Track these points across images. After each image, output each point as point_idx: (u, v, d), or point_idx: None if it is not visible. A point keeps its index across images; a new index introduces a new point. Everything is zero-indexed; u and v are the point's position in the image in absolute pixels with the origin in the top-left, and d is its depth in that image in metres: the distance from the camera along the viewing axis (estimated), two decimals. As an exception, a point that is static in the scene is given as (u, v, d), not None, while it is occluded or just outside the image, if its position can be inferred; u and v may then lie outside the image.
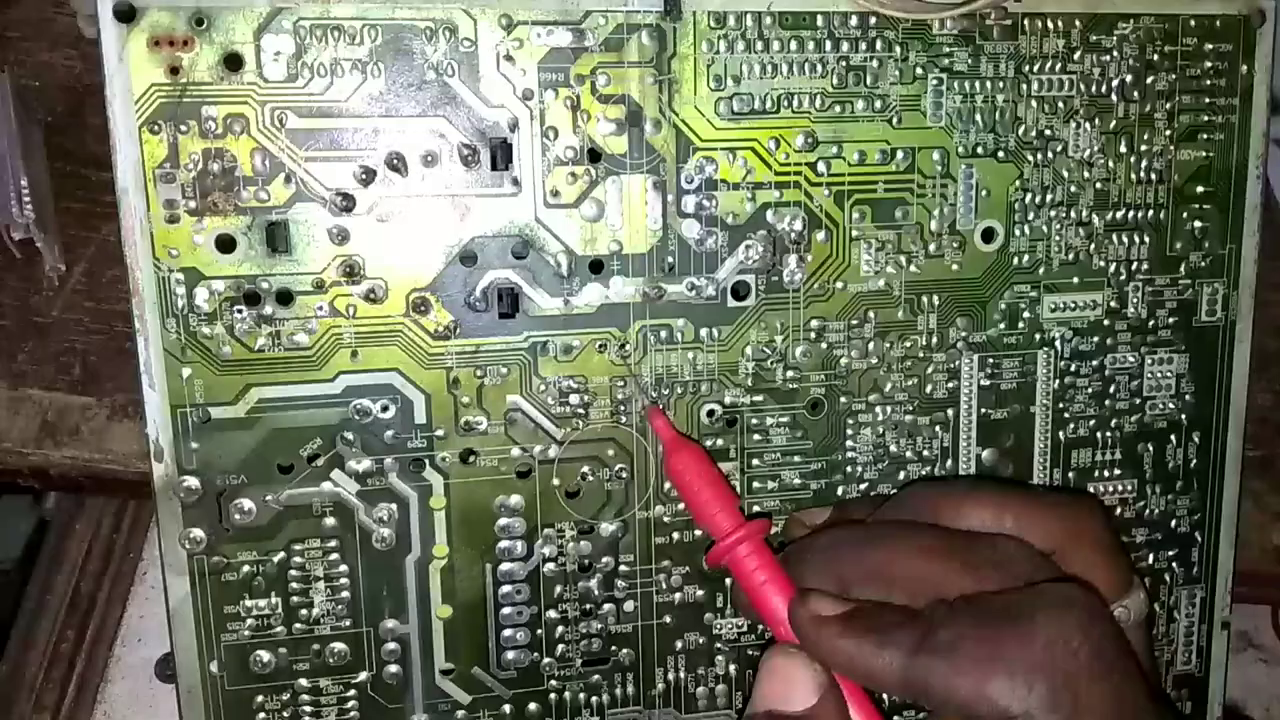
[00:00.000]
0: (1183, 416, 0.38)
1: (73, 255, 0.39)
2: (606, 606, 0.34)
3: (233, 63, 0.29)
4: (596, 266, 0.32)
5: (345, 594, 0.32)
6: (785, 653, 0.27)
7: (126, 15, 0.28)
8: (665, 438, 0.32)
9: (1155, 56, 0.35)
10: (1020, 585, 0.25)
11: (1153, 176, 0.36)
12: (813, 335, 0.34)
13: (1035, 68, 0.34)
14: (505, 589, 0.33)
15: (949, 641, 0.24)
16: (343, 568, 0.32)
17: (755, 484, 0.35)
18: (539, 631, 0.34)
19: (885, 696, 0.35)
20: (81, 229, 0.39)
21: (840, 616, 0.26)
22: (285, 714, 0.33)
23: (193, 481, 0.31)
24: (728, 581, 0.35)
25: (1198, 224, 0.36)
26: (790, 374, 0.34)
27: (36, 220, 0.37)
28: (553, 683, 0.34)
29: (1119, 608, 0.28)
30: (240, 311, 0.30)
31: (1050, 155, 0.35)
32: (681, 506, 0.34)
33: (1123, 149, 0.35)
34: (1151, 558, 0.38)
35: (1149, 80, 0.35)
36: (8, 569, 0.51)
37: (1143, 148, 0.36)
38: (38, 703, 0.41)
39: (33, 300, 0.39)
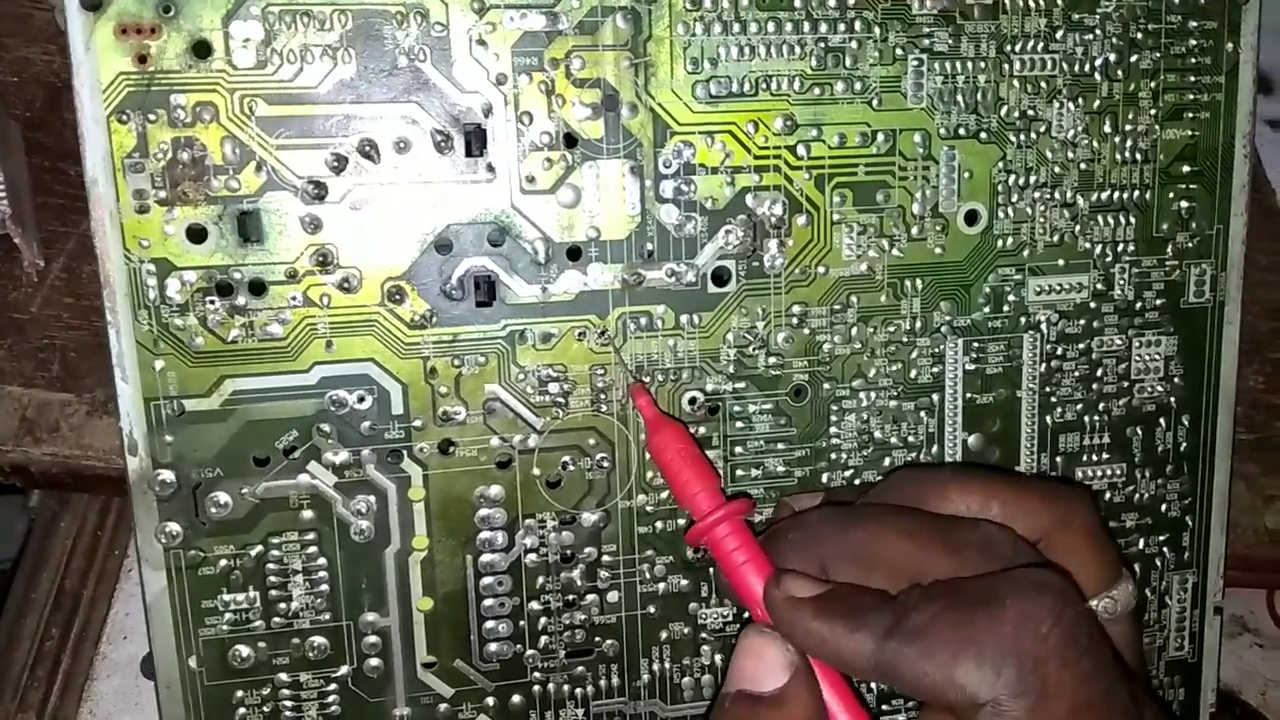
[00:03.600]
0: (1172, 399, 0.37)
1: (51, 251, 0.39)
2: (590, 597, 0.34)
3: (201, 50, 0.29)
4: (574, 253, 0.32)
5: (324, 587, 0.32)
6: (759, 632, 0.27)
7: (93, 3, 0.28)
8: (647, 416, 0.31)
9: (1139, 34, 0.35)
10: (998, 570, 0.25)
11: (1138, 156, 0.35)
12: (795, 321, 0.34)
13: (1017, 47, 0.34)
14: (486, 580, 0.33)
15: (920, 626, 0.24)
16: (321, 561, 0.32)
17: (739, 472, 0.34)
18: (521, 623, 0.34)
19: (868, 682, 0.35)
20: (60, 224, 0.39)
21: (814, 599, 0.26)
22: (265, 709, 0.32)
23: (167, 475, 0.30)
24: (712, 571, 0.35)
25: (1184, 204, 0.36)
26: (772, 360, 0.34)
27: (14, 216, 0.37)
28: (536, 675, 0.34)
29: (1106, 598, 0.27)
30: (213, 302, 0.30)
31: (1033, 136, 0.34)
32: (665, 495, 0.34)
33: (1107, 129, 0.35)
34: (1142, 543, 0.38)
35: (1133, 59, 0.35)
36: (5, 568, 0.51)
37: (1127, 127, 0.35)
38: (23, 701, 0.41)
39: (11, 296, 0.38)
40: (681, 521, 0.34)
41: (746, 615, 0.35)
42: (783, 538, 0.29)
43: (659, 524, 0.34)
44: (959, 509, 0.28)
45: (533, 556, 0.33)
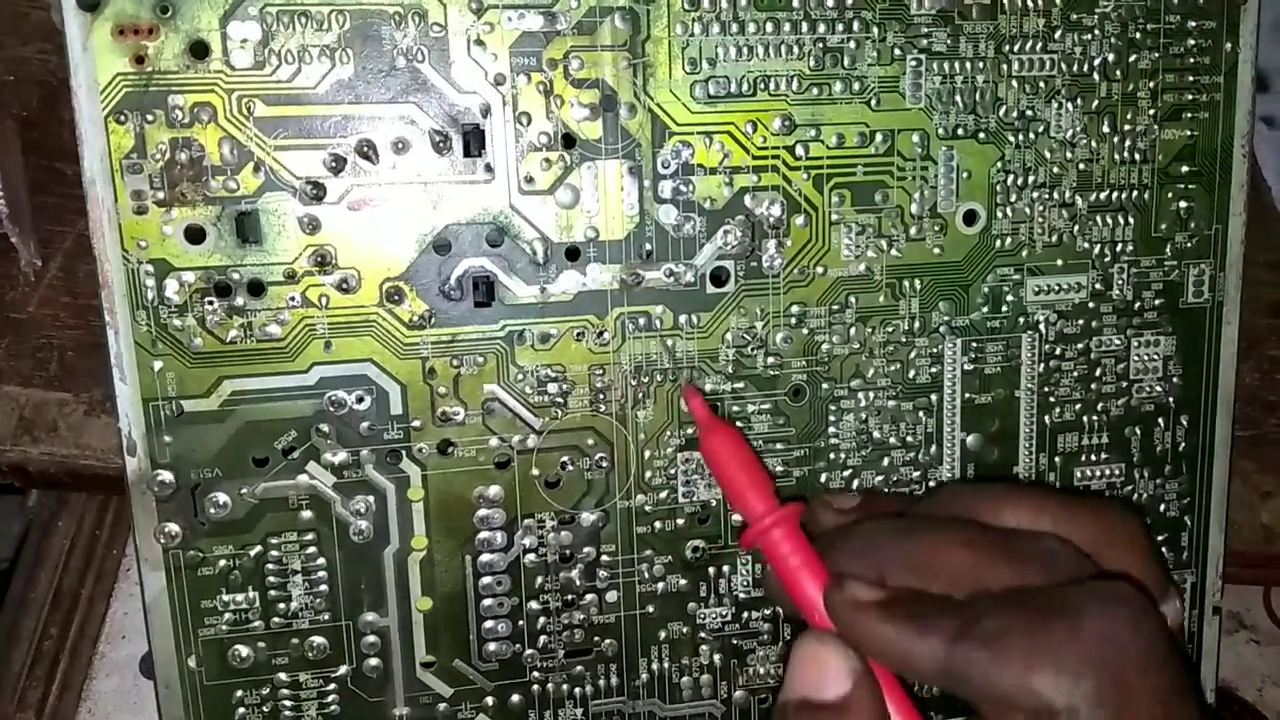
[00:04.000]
0: (1170, 399, 0.37)
1: (49, 250, 0.39)
2: (588, 597, 0.34)
3: (199, 51, 0.29)
4: (573, 254, 0.32)
5: (323, 587, 0.32)
6: (819, 638, 0.26)
7: (90, 4, 0.28)
8: (700, 418, 0.31)
9: (1138, 34, 0.35)
10: (1065, 581, 0.25)
11: (1136, 156, 0.35)
12: (793, 321, 0.34)
13: (1015, 47, 0.34)
14: (485, 580, 0.33)
15: (994, 631, 0.23)
16: (320, 561, 0.32)
17: (737, 472, 0.34)
18: (520, 623, 0.34)
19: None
20: (57, 224, 0.39)
21: (879, 602, 0.25)
22: (265, 709, 0.32)
23: (166, 475, 0.30)
24: (711, 570, 0.35)
25: (1183, 204, 0.36)
26: (771, 360, 0.34)
27: (11, 215, 0.37)
28: (535, 674, 0.34)
29: None
30: (211, 303, 0.30)
31: (1032, 136, 0.34)
32: (664, 495, 0.34)
33: (1105, 129, 0.35)
34: (1140, 542, 0.38)
35: (1131, 59, 0.35)
36: (3, 569, 0.51)
37: (1126, 127, 0.35)
38: (22, 701, 0.41)
39: (8, 296, 0.38)
40: (680, 522, 0.34)
41: (748, 619, 0.35)
42: (838, 544, 0.28)
43: (657, 524, 0.34)
44: (1010, 523, 0.27)
45: (531, 556, 0.33)
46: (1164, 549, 0.38)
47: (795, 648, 0.27)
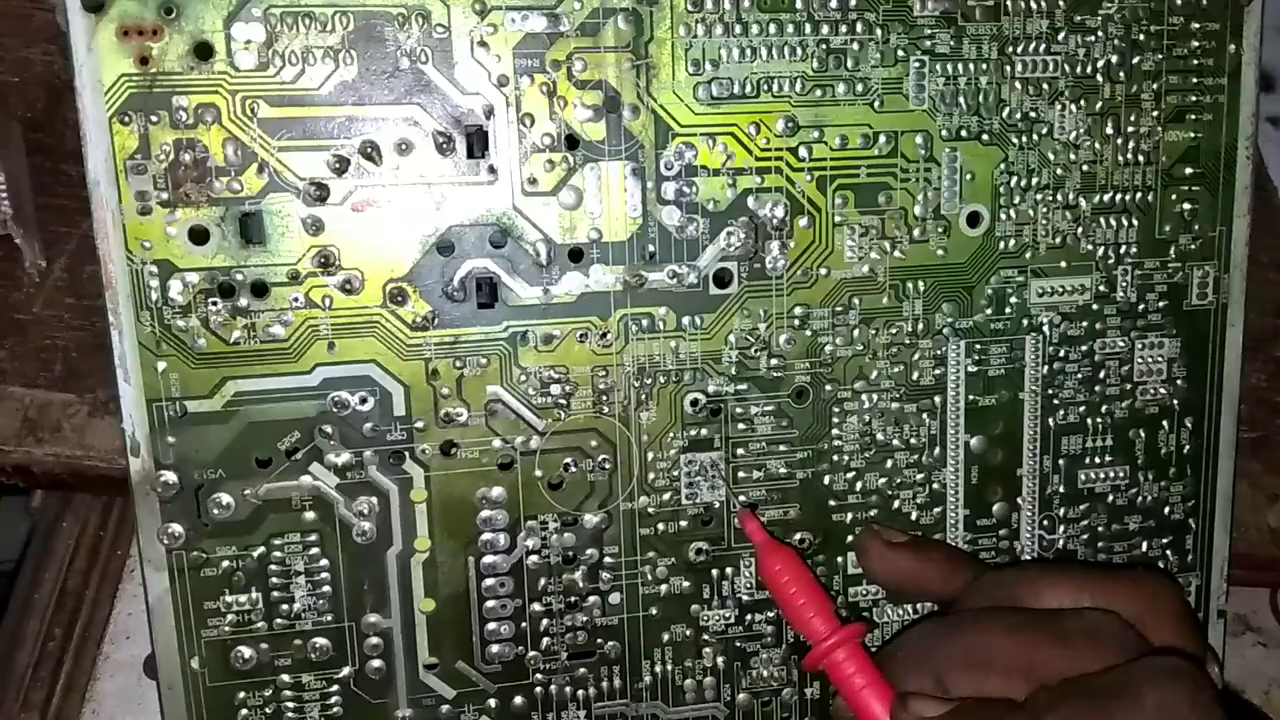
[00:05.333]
0: (1174, 402, 0.37)
1: (53, 251, 0.39)
2: (591, 599, 0.34)
3: (203, 52, 0.29)
4: (576, 255, 0.32)
5: (326, 588, 0.32)
6: None
7: (95, 5, 0.28)
8: (758, 541, 0.32)
9: (1141, 36, 0.35)
10: (1116, 658, 0.25)
11: (1140, 158, 0.35)
12: (797, 323, 0.34)
13: (1019, 49, 0.34)
14: (488, 582, 0.33)
15: None
16: (323, 562, 0.32)
17: (741, 474, 0.34)
18: (523, 625, 0.34)
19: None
20: (61, 225, 0.39)
21: (945, 716, 0.26)
22: (268, 710, 0.32)
23: (170, 476, 0.30)
24: (714, 573, 0.35)
25: (1187, 206, 0.36)
26: (774, 362, 0.34)
27: (15, 216, 0.37)
28: (538, 676, 0.34)
29: None
30: (215, 304, 0.30)
31: (1035, 138, 0.34)
32: (666, 497, 0.34)
33: (1109, 130, 0.35)
34: (1145, 546, 0.38)
35: (1135, 60, 0.35)
36: (8, 569, 0.51)
37: (1130, 129, 0.35)
38: (25, 701, 0.41)
39: (13, 297, 0.38)
40: (683, 524, 0.34)
41: (750, 621, 0.35)
42: (895, 655, 0.29)
43: (660, 526, 0.34)
44: (1052, 602, 0.28)
45: (534, 558, 0.33)
46: (1168, 552, 0.38)
47: None
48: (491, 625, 0.33)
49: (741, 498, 0.34)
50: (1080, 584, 0.28)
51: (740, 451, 0.34)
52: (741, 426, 0.34)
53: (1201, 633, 0.29)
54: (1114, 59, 0.35)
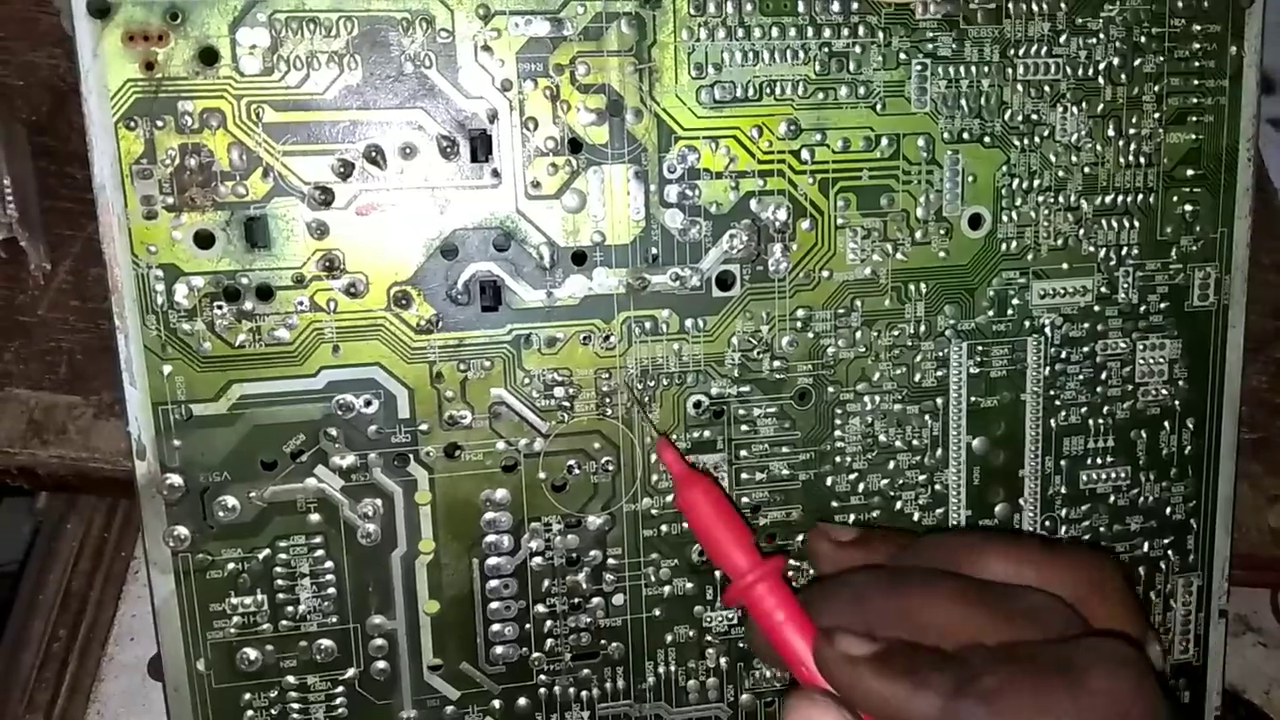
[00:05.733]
0: (1176, 403, 0.37)
1: (58, 254, 0.39)
2: (595, 600, 0.34)
3: (208, 57, 0.29)
4: (579, 258, 0.32)
5: (331, 590, 0.32)
6: (809, 697, 0.25)
7: (101, 11, 0.28)
8: (675, 472, 0.30)
9: (1143, 38, 0.35)
10: (1057, 638, 0.25)
11: (1141, 160, 0.35)
12: (799, 325, 0.34)
13: (1020, 51, 0.34)
14: (492, 583, 0.33)
15: (992, 688, 0.23)
16: (328, 564, 0.32)
17: (743, 475, 0.34)
18: (527, 626, 0.34)
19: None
20: (66, 228, 0.39)
21: (872, 656, 0.25)
22: (273, 712, 0.33)
23: (176, 479, 0.31)
24: (717, 574, 0.35)
25: (1188, 208, 0.36)
26: (777, 364, 0.34)
27: (21, 219, 0.37)
28: (542, 677, 0.34)
29: None
30: (220, 307, 0.30)
31: (1037, 140, 0.35)
32: (669, 498, 0.34)
33: (1111, 132, 0.35)
34: (1146, 546, 0.38)
35: (1136, 63, 0.35)
36: (12, 570, 0.51)
37: (1131, 131, 0.35)
38: (31, 702, 0.41)
39: (18, 299, 0.38)
40: (687, 526, 0.34)
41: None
42: (823, 599, 0.28)
43: (664, 527, 0.34)
44: (995, 574, 0.27)
45: (538, 560, 0.33)
46: (1169, 552, 0.38)
47: (785, 707, 0.26)
48: (495, 626, 0.33)
49: (653, 416, 0.33)
50: (1024, 557, 0.27)
51: (743, 453, 0.34)
52: (744, 428, 0.34)
53: (1143, 615, 0.28)
54: (1115, 61, 0.35)
